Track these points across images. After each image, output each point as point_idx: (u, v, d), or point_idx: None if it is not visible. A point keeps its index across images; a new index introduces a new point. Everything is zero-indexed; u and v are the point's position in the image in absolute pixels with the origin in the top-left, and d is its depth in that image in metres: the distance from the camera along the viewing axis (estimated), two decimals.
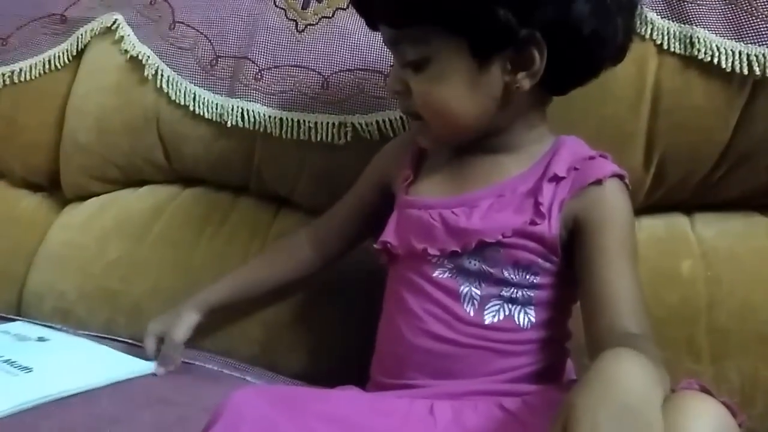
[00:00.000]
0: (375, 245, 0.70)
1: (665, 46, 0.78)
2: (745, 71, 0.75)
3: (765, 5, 0.75)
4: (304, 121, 0.90)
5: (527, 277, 0.63)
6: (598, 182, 0.63)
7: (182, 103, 0.96)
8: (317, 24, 0.92)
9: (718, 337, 0.75)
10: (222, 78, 0.95)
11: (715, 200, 0.82)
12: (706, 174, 0.80)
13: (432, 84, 0.63)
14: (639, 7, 0.68)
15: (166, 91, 0.97)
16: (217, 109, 0.94)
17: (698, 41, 0.76)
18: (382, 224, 0.70)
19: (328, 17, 0.92)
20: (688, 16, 0.77)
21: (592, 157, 0.65)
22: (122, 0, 1.05)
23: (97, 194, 1.06)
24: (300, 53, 0.91)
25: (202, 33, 0.98)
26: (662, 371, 0.48)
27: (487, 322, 0.63)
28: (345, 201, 0.82)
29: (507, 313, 0.63)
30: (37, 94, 1.08)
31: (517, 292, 0.63)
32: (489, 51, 0.61)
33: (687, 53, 0.77)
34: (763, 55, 0.74)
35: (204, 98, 0.95)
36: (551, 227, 0.62)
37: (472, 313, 0.63)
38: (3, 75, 1.09)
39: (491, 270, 0.63)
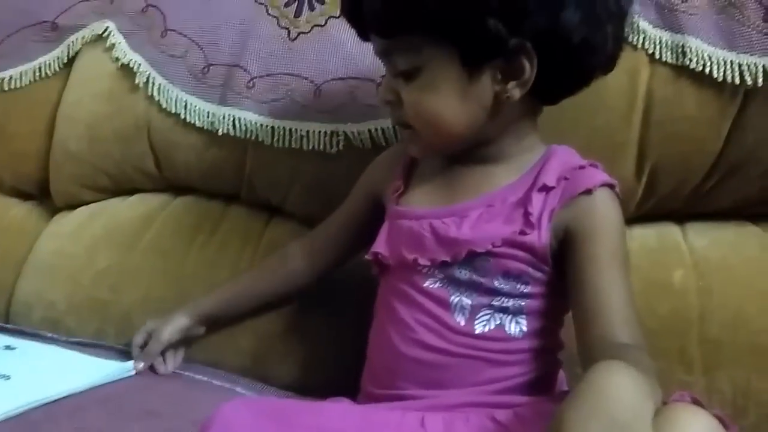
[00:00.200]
0: (366, 256, 0.70)
1: (657, 56, 0.78)
2: (737, 81, 0.75)
3: (756, 15, 0.75)
4: (296, 129, 0.90)
5: (518, 286, 0.63)
6: (588, 192, 0.63)
7: (173, 111, 0.96)
8: (310, 32, 0.92)
9: (710, 348, 0.75)
10: (213, 86, 0.95)
11: (706, 210, 0.82)
12: (697, 184, 0.80)
13: (423, 93, 0.63)
14: (629, 15, 0.68)
15: (157, 99, 0.97)
16: (208, 117, 0.94)
17: (690, 51, 0.76)
18: (374, 236, 0.70)
19: (321, 26, 0.92)
20: (680, 25, 0.77)
21: (582, 167, 0.65)
22: (114, 7, 1.04)
23: (88, 203, 1.05)
24: (292, 62, 0.91)
25: (193, 41, 0.97)
26: (654, 383, 0.48)
27: (477, 332, 0.63)
28: (337, 213, 0.82)
29: (498, 322, 0.63)
30: (27, 102, 1.08)
31: (507, 302, 0.63)
32: (479, 60, 0.61)
33: (679, 63, 0.77)
34: (755, 64, 0.74)
35: (195, 106, 0.95)
36: (541, 237, 0.62)
37: (462, 323, 0.63)
38: None
39: (482, 280, 0.63)
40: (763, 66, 0.74)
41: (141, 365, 0.77)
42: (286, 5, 0.94)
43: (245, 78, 0.93)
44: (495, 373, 0.63)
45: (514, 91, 0.61)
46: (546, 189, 0.63)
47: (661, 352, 0.74)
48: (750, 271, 0.77)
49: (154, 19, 1.01)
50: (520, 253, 0.62)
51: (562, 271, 0.63)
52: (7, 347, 0.83)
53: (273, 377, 0.84)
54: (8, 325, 0.95)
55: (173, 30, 0.99)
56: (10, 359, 0.79)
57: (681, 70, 0.77)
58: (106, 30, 1.03)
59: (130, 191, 1.04)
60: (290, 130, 0.90)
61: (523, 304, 0.63)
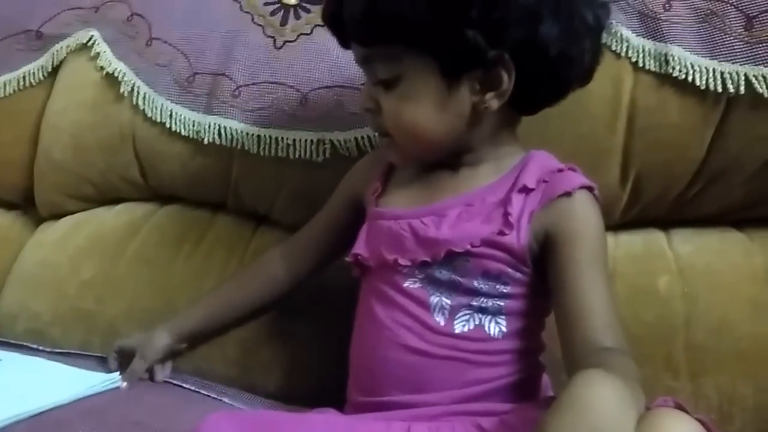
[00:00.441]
0: (347, 258, 0.70)
1: (640, 64, 0.78)
2: (719, 89, 0.75)
3: (738, 23, 0.76)
4: (282, 138, 0.89)
5: (497, 286, 0.63)
6: (567, 194, 0.63)
7: (159, 120, 0.95)
8: (295, 41, 0.92)
9: (695, 354, 0.75)
10: (199, 95, 0.94)
11: (691, 216, 0.82)
12: (681, 190, 0.80)
13: (402, 102, 0.64)
14: (607, 28, 0.69)
15: (142, 108, 0.96)
16: (194, 126, 0.94)
17: (673, 59, 0.77)
18: (354, 240, 0.70)
19: (307, 34, 0.92)
20: (663, 34, 0.78)
21: (561, 170, 0.65)
22: (99, 16, 1.04)
23: (72, 212, 1.05)
24: (278, 70, 0.91)
25: (179, 50, 0.97)
26: (637, 389, 0.48)
27: (457, 332, 0.63)
28: (317, 218, 0.81)
29: (477, 322, 0.63)
30: (11, 111, 1.07)
31: (487, 302, 0.63)
32: (458, 71, 0.61)
33: (662, 71, 0.78)
34: (737, 72, 0.75)
35: (181, 115, 0.94)
36: (520, 238, 0.62)
37: (442, 323, 0.63)
38: None
39: (461, 280, 0.63)
40: (745, 74, 0.75)
41: (125, 385, 0.76)
42: (272, 14, 0.94)
43: (231, 87, 0.93)
44: (477, 374, 0.63)
45: (492, 102, 0.62)
46: (526, 190, 0.64)
47: (647, 358, 0.74)
48: (735, 277, 0.77)
49: (139, 27, 1.01)
50: (499, 254, 0.63)
51: (543, 274, 0.64)
52: None
53: (260, 386, 0.84)
54: None
55: (158, 39, 0.99)
56: None
57: (664, 78, 0.78)
58: (90, 39, 1.03)
59: (115, 200, 1.04)
60: (276, 138, 0.90)
61: (502, 304, 0.63)
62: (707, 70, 0.76)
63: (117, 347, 0.81)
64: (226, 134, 0.92)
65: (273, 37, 0.93)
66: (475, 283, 0.63)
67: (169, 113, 0.95)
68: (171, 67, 0.97)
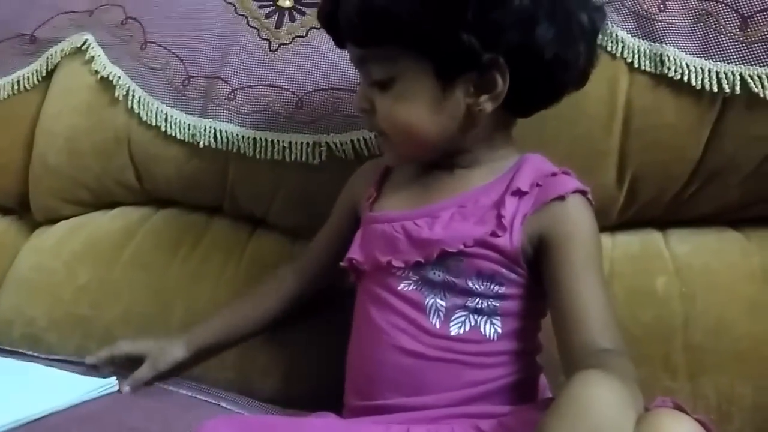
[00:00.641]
0: (341, 263, 0.70)
1: (636, 65, 0.79)
2: (715, 89, 0.76)
3: (733, 24, 0.76)
4: (278, 140, 0.89)
5: (492, 287, 0.63)
6: (561, 198, 0.64)
7: (154, 123, 0.95)
8: (291, 43, 0.92)
9: (694, 355, 0.75)
10: (194, 98, 0.94)
11: (688, 216, 0.82)
12: (678, 191, 0.80)
13: (397, 103, 0.64)
14: (601, 32, 0.69)
15: (137, 111, 0.96)
16: (189, 129, 0.93)
17: (668, 59, 0.77)
18: None
19: (302, 37, 0.92)
20: (658, 34, 0.78)
21: (554, 174, 0.66)
22: (93, 20, 1.04)
23: (68, 217, 1.04)
24: (273, 73, 0.91)
25: (173, 53, 0.97)
26: (635, 390, 0.48)
27: (453, 334, 0.63)
28: (322, 232, 0.82)
29: (473, 324, 0.63)
30: (5, 116, 1.07)
31: (482, 303, 0.63)
32: (453, 73, 0.62)
33: (657, 71, 0.78)
34: (732, 72, 0.75)
35: (176, 119, 0.94)
36: (513, 240, 0.62)
37: (438, 325, 0.63)
38: None
39: (455, 280, 0.63)
40: (741, 74, 0.75)
41: (127, 389, 0.76)
42: (267, 16, 0.94)
43: (226, 90, 0.93)
44: (474, 376, 0.63)
45: (487, 104, 0.62)
46: (520, 194, 0.64)
47: (645, 359, 0.74)
48: (732, 277, 0.77)
49: (133, 31, 1.00)
50: (492, 254, 0.63)
51: (538, 277, 0.64)
52: None
53: (257, 390, 0.83)
54: None
55: (153, 42, 0.99)
56: None
57: (660, 78, 0.78)
58: (85, 43, 1.02)
59: (111, 205, 1.03)
60: (272, 141, 0.89)
61: (497, 305, 0.63)
62: (703, 71, 0.76)
63: (120, 352, 0.79)
64: (221, 137, 0.91)
65: (268, 39, 0.93)
66: (470, 284, 0.63)
67: (164, 117, 0.95)
68: (166, 71, 0.97)
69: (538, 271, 0.64)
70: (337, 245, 0.78)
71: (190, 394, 0.78)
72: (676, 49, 0.77)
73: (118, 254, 0.96)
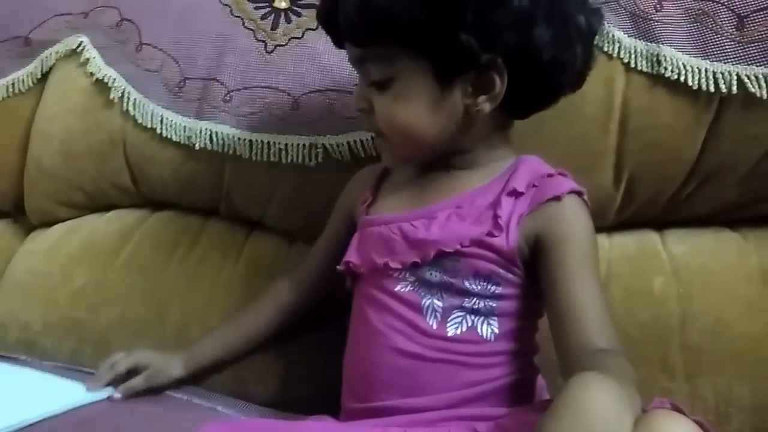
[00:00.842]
0: (338, 267, 0.70)
1: (632, 65, 0.78)
2: (712, 89, 0.75)
3: (729, 24, 0.76)
4: (274, 142, 0.89)
5: (489, 287, 0.63)
6: (557, 198, 0.64)
7: (149, 125, 0.95)
8: (287, 45, 0.91)
9: (691, 355, 0.75)
10: (190, 100, 0.94)
11: (685, 217, 0.82)
12: (675, 191, 0.80)
13: (395, 103, 0.64)
14: (600, 33, 0.70)
15: (132, 114, 0.96)
16: (185, 131, 0.93)
17: (665, 59, 0.77)
18: None
19: (298, 38, 0.91)
20: (655, 34, 0.78)
21: (550, 175, 0.66)
22: (88, 22, 1.03)
23: (63, 220, 1.04)
24: (269, 74, 0.91)
25: (169, 55, 0.97)
26: (633, 391, 0.48)
27: (450, 335, 0.63)
28: (320, 240, 0.82)
29: (470, 324, 0.63)
30: (0, 118, 1.06)
31: (479, 303, 0.63)
32: (451, 74, 0.62)
33: (654, 71, 0.78)
34: (729, 72, 0.75)
35: (171, 121, 0.94)
36: (509, 240, 0.63)
37: (435, 326, 0.63)
38: None
39: (452, 280, 0.63)
40: (737, 74, 0.75)
41: (119, 396, 0.75)
42: (263, 18, 0.94)
43: (222, 91, 0.92)
44: (470, 377, 0.63)
45: (484, 105, 0.63)
46: (516, 194, 0.64)
47: (643, 359, 0.74)
48: (729, 277, 0.77)
49: (129, 33, 1.00)
50: (489, 254, 0.63)
51: (535, 277, 0.64)
52: None
53: (253, 394, 0.83)
54: None
55: (148, 44, 0.98)
56: None
57: (656, 78, 0.78)
58: (80, 45, 1.02)
59: (107, 207, 1.03)
60: (268, 143, 0.89)
61: (494, 305, 0.63)
62: (699, 71, 0.76)
63: (120, 370, 0.76)
64: (217, 139, 0.91)
65: (264, 41, 0.93)
66: (466, 284, 0.63)
67: (159, 119, 0.94)
68: (161, 73, 0.96)
69: (534, 272, 0.64)
70: (334, 253, 0.77)
71: (186, 398, 0.78)
72: (673, 49, 0.77)
73: (114, 257, 0.96)
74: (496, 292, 0.63)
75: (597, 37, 0.68)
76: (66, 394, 0.73)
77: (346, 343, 0.71)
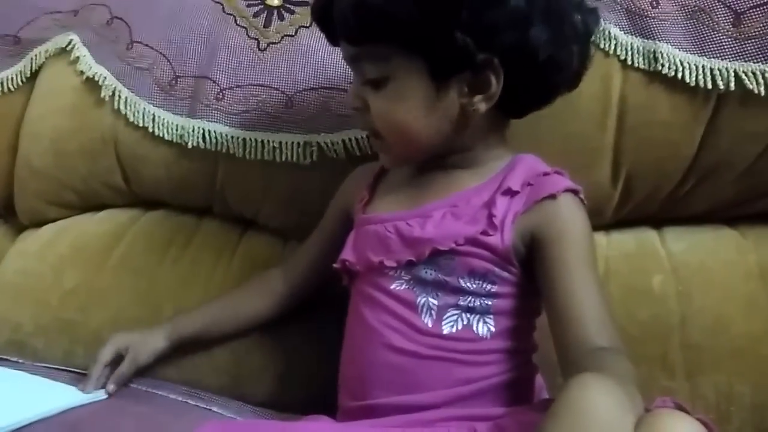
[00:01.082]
0: (334, 265, 0.70)
1: (629, 62, 0.78)
2: (709, 85, 0.75)
3: (726, 20, 0.76)
4: (268, 141, 0.88)
5: (484, 285, 0.63)
6: (552, 197, 0.64)
7: (141, 124, 0.94)
8: (280, 42, 0.91)
9: (691, 353, 0.75)
10: (182, 98, 0.93)
11: (683, 214, 0.82)
12: (673, 188, 0.80)
13: (390, 102, 0.64)
14: (595, 33, 0.70)
15: (124, 112, 0.95)
16: (177, 130, 0.92)
17: (662, 56, 0.77)
18: None
19: (291, 35, 0.90)
20: (651, 31, 0.78)
21: (546, 173, 0.66)
22: (78, 20, 1.02)
23: (54, 220, 1.03)
24: (263, 72, 0.90)
25: (160, 53, 0.95)
26: (634, 391, 0.48)
27: (445, 332, 0.63)
28: (313, 235, 0.82)
29: (465, 322, 0.63)
30: None
31: (474, 301, 0.63)
32: (447, 73, 0.62)
33: (651, 68, 0.77)
34: (726, 69, 0.75)
35: (164, 119, 0.93)
36: (504, 239, 0.63)
37: (430, 324, 0.63)
38: None
39: (447, 279, 0.63)
40: (735, 70, 0.75)
41: (112, 387, 0.75)
42: (255, 15, 0.93)
43: (214, 90, 0.91)
44: (466, 374, 0.63)
45: (480, 105, 0.63)
46: (511, 193, 0.64)
47: (643, 358, 0.74)
48: (728, 275, 0.77)
49: (119, 31, 0.99)
50: (484, 252, 0.63)
51: (531, 275, 0.64)
52: None
53: (250, 395, 0.83)
54: None
55: (139, 42, 0.97)
56: None
57: (653, 75, 0.77)
58: (70, 43, 1.01)
59: (98, 207, 1.02)
60: (262, 141, 0.88)
61: (490, 303, 0.63)
62: (696, 67, 0.76)
63: (111, 354, 0.77)
64: (210, 138, 0.90)
65: (256, 39, 0.92)
66: (462, 282, 0.63)
67: (151, 117, 0.93)
68: (153, 71, 0.95)
69: (531, 270, 0.64)
70: (327, 248, 0.78)
71: (181, 399, 0.77)
72: (670, 46, 0.77)
73: (106, 257, 0.94)
74: (492, 290, 0.63)
75: (593, 36, 0.68)
76: (58, 396, 0.72)
77: (342, 342, 0.70)
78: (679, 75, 0.76)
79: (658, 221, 0.83)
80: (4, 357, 0.89)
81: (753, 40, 0.75)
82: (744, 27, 0.75)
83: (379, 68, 0.63)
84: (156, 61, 0.95)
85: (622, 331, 0.60)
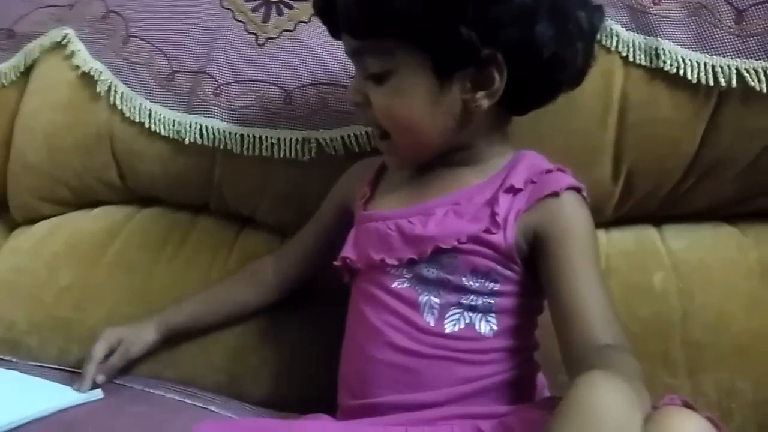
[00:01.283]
0: (335, 262, 0.70)
1: (631, 59, 0.78)
2: (711, 82, 0.75)
3: (728, 17, 0.75)
4: (266, 137, 0.88)
5: (487, 284, 0.63)
6: (555, 194, 0.63)
7: (137, 119, 0.93)
8: (278, 38, 0.90)
9: (693, 351, 0.75)
10: (179, 94, 0.92)
11: (683, 211, 0.82)
12: (674, 185, 0.80)
13: (392, 97, 0.63)
14: (600, 31, 0.70)
15: (119, 107, 0.94)
16: (174, 125, 0.91)
17: (663, 53, 0.77)
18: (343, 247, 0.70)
19: (290, 30, 0.90)
20: (653, 28, 0.78)
21: (549, 171, 0.66)
22: (73, 14, 1.01)
23: (48, 216, 1.02)
24: (261, 68, 0.89)
25: (157, 47, 0.95)
26: (641, 388, 0.48)
27: (448, 331, 0.63)
28: (308, 226, 0.82)
29: (468, 321, 0.63)
30: None
31: (477, 300, 0.63)
32: (450, 68, 0.61)
33: (653, 65, 0.77)
34: (728, 66, 0.75)
35: (160, 115, 0.92)
36: (506, 237, 0.62)
37: (432, 323, 0.63)
38: None
39: (449, 277, 0.63)
40: (736, 67, 0.75)
41: (101, 378, 0.75)
42: (254, 10, 0.92)
43: (212, 85, 0.91)
44: (468, 373, 0.62)
45: (483, 101, 0.62)
46: (513, 191, 0.64)
47: (644, 355, 0.72)
48: (729, 272, 0.77)
49: (115, 25, 0.98)
50: (487, 251, 0.63)
51: (534, 273, 0.64)
52: None
53: (248, 394, 0.82)
54: None
55: (136, 36, 0.96)
56: None
57: (655, 72, 0.77)
58: (65, 37, 1.00)
59: (93, 204, 1.01)
60: (260, 137, 0.88)
61: (492, 302, 0.63)
62: (698, 64, 0.76)
63: (104, 350, 0.77)
64: (207, 134, 0.90)
65: (255, 33, 0.91)
66: (464, 281, 0.63)
67: (147, 113, 0.93)
68: (149, 66, 0.94)
69: (533, 268, 0.64)
70: (322, 242, 0.78)
71: (178, 398, 0.77)
72: (672, 43, 0.77)
73: (101, 255, 0.94)
74: (494, 288, 0.63)
75: (598, 34, 0.68)
76: (54, 395, 0.72)
77: (341, 340, 0.70)
78: (681, 72, 0.76)
79: (658, 219, 0.83)
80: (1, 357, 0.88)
81: (755, 38, 0.74)
82: (746, 24, 0.75)
83: (381, 62, 0.62)
84: (153, 56, 0.95)
85: (623, 328, 0.60)
